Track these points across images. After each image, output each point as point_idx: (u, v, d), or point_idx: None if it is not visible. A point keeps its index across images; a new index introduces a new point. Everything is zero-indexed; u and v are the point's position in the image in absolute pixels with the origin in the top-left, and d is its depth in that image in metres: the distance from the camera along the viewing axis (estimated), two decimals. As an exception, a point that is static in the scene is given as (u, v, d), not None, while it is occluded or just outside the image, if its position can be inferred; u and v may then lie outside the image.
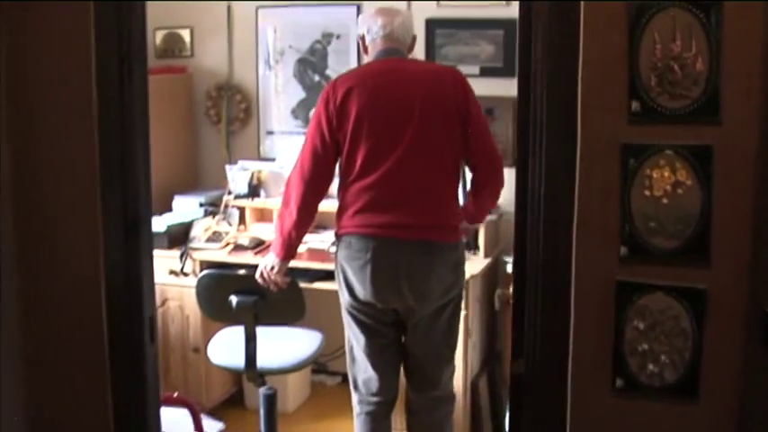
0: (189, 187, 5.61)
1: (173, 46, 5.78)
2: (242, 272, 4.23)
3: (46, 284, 2.52)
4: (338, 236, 3.82)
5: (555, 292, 2.28)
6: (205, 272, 4.26)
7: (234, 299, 4.04)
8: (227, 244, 5.09)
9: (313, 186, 3.81)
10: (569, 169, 2.22)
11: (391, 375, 3.96)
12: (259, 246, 5.00)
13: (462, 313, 4.44)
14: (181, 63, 5.74)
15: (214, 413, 5.15)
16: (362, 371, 3.92)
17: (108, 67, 2.37)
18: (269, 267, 3.95)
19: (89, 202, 2.45)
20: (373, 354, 3.88)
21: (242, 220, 5.43)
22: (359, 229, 3.72)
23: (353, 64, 5.36)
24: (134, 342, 2.54)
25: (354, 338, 3.91)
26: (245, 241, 5.03)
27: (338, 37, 5.43)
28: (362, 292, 3.74)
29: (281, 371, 4.32)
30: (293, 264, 4.56)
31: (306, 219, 3.87)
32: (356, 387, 3.98)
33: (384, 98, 3.70)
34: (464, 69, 5.15)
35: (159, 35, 5.79)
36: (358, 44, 4.05)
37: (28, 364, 2.56)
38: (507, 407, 4.89)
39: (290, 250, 3.92)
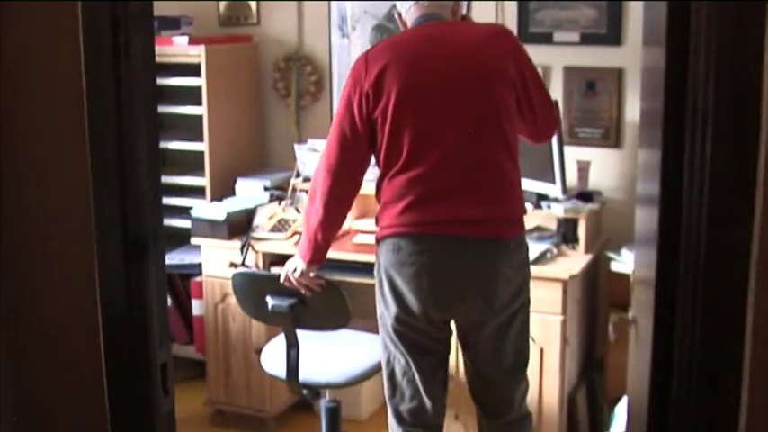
0: (254, 169, 4.94)
1: (237, 13, 5.10)
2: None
3: (28, 323, 1.86)
4: (381, 238, 3.14)
5: (719, 356, 1.54)
6: (238, 270, 3.63)
7: (270, 301, 3.44)
8: (294, 233, 4.41)
9: (341, 179, 3.16)
10: (747, 179, 1.47)
11: (442, 399, 3.30)
12: (328, 237, 4.31)
13: (560, 318, 3.80)
14: (246, 32, 5.06)
15: (279, 420, 4.54)
16: (408, 399, 3.23)
17: (98, 36, 1.68)
18: (292, 271, 3.34)
19: (79, 216, 1.77)
20: (424, 376, 3.20)
21: (311, 205, 4.76)
22: (410, 228, 3.06)
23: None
24: (141, 396, 1.88)
25: (399, 360, 3.22)
26: (313, 231, 4.35)
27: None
28: (417, 303, 3.09)
29: (334, 385, 3.66)
30: (354, 257, 3.93)
31: (334, 217, 3.25)
32: (400, 419, 3.27)
33: (429, 71, 3.05)
34: (561, 36, 4.44)
35: (223, 2, 5.11)
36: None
37: (11, 422, 1.91)
38: (611, 422, 4.22)
39: (317, 254, 3.31)
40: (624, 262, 4.01)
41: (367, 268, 4.03)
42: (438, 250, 3.04)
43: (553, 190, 4.12)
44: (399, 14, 3.27)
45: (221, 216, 4.36)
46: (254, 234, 4.38)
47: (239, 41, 4.95)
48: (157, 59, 4.50)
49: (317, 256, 3.30)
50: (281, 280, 3.37)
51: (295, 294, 3.39)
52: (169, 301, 4.85)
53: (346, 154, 3.12)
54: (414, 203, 3.04)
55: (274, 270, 4.30)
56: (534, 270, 3.83)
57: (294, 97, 5.00)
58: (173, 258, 4.79)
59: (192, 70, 4.62)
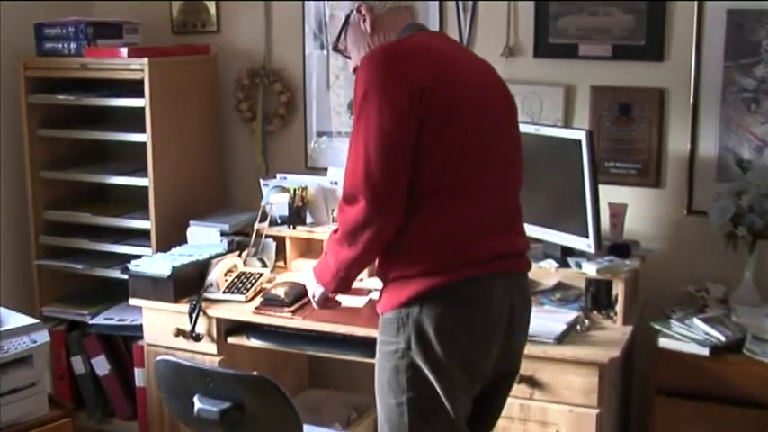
0: (210, 210, 3.96)
1: (193, 18, 4.15)
2: (210, 365, 2.67)
3: None
4: (435, 288, 2.31)
5: None
6: (161, 358, 2.69)
7: (197, 404, 2.52)
8: (257, 293, 3.47)
9: (387, 198, 2.29)
10: None
11: None
12: (300, 300, 3.36)
13: (595, 412, 2.96)
14: (203, 41, 4.11)
15: None
16: None
17: None
18: (311, 295, 2.64)
19: None
20: None
21: (280, 254, 3.82)
22: (480, 269, 2.34)
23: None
24: None
25: None
26: (280, 291, 3.38)
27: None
28: (490, 363, 2.41)
29: None
30: (330, 327, 3.17)
31: (372, 255, 2.41)
32: None
33: (479, 85, 2.44)
34: (589, 49, 3.54)
35: (176, 4, 4.17)
36: (345, 25, 2.59)
37: None
38: None
39: (344, 286, 2.52)
40: (677, 337, 3.08)
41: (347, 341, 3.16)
42: (504, 291, 2.40)
43: (581, 243, 3.20)
44: (370, 11, 2.51)
45: (165, 271, 3.41)
46: (207, 294, 3.43)
47: (194, 53, 3.99)
48: (92, 75, 3.61)
49: (344, 286, 2.51)
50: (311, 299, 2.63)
51: (231, 397, 2.46)
52: (108, 368, 3.92)
53: (394, 157, 2.26)
54: (476, 235, 2.35)
55: (232, 340, 3.38)
56: (562, 350, 2.94)
57: (260, 121, 4.06)
58: (111, 317, 3.85)
59: (135, 88, 3.68)
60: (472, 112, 2.36)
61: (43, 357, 3.25)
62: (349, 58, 2.62)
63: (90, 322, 3.87)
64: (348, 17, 2.55)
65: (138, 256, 3.69)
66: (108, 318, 3.86)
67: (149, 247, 3.77)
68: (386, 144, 2.25)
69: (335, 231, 2.42)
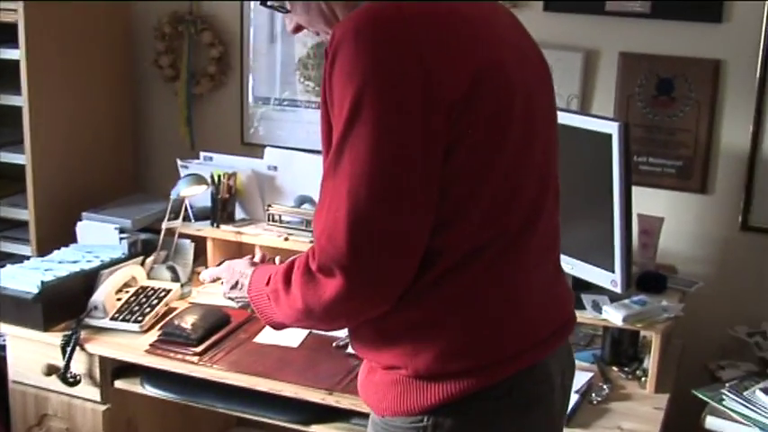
0: (114, 197, 2.96)
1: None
2: None
3: None
4: (489, 387, 1.45)
5: None
6: None
7: None
8: (158, 320, 2.48)
9: (390, 288, 1.38)
10: None
11: None
12: (212, 335, 2.38)
13: None
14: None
15: None
16: None
17: None
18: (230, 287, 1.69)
19: None
20: None
21: (201, 259, 2.83)
22: (543, 349, 1.52)
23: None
24: None
25: None
26: (187, 321, 2.39)
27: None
28: None
29: None
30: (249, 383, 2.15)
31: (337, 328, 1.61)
32: None
33: (524, 90, 1.46)
34: (620, 3, 2.52)
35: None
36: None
37: None
38: None
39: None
40: (732, 417, 2.10)
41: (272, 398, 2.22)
42: (558, 366, 1.59)
43: (603, 278, 2.22)
44: None
45: (32, 289, 2.42)
46: (90, 320, 2.45)
47: (102, -9, 2.97)
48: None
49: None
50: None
51: None
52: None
53: (403, 212, 1.33)
54: (534, 305, 1.52)
55: (120, 384, 2.41)
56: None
57: (185, 81, 3.04)
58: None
59: (11, 36, 2.67)
60: (522, 121, 1.45)
61: None
62: (286, 11, 1.58)
63: (-46, 339, 2.91)
64: None
65: (18, 257, 2.72)
66: (-18, 334, 2.89)
67: (29, 244, 2.79)
68: (392, 189, 1.32)
69: (300, 269, 1.40)
